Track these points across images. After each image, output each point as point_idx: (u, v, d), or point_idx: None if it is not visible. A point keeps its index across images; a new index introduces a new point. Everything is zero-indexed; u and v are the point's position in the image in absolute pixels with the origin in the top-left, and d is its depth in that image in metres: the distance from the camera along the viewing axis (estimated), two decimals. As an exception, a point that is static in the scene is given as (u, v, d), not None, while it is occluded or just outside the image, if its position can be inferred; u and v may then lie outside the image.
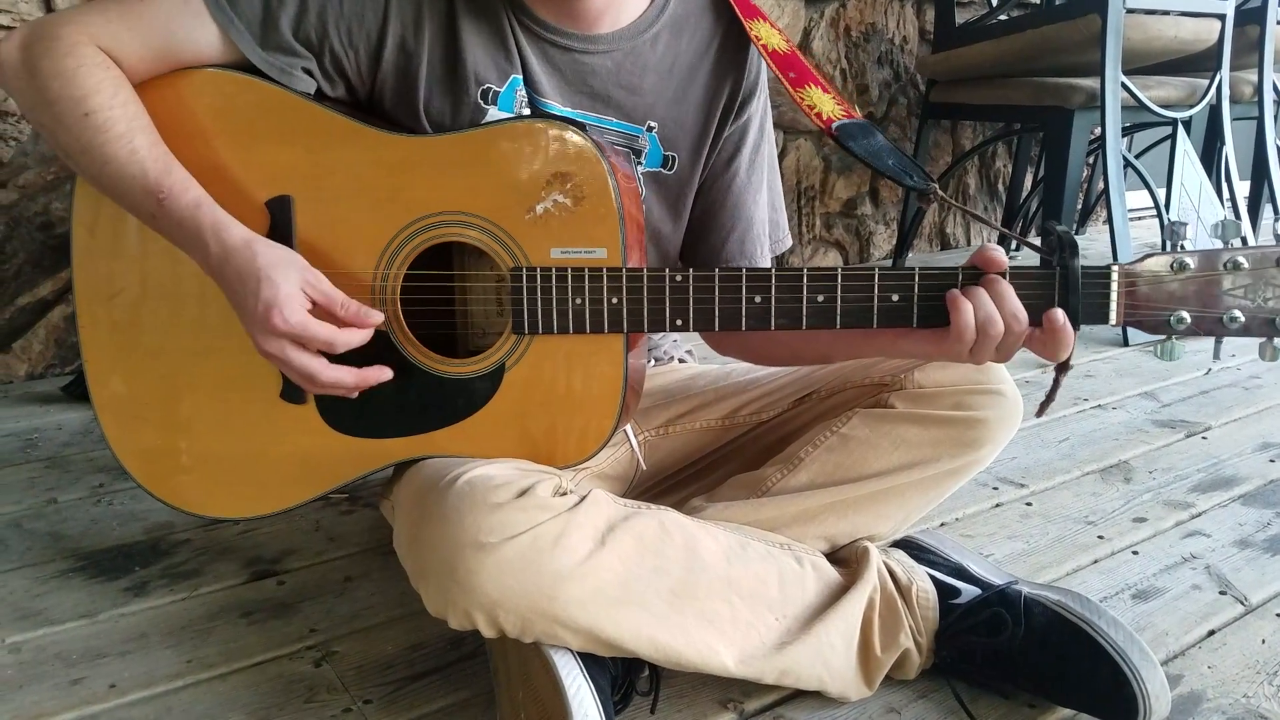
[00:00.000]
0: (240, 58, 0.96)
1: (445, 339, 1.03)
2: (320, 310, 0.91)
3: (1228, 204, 2.85)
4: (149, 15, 0.94)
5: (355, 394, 0.95)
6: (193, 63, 0.96)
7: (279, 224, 0.96)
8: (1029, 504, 1.49)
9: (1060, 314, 0.87)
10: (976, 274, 0.90)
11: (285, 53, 0.96)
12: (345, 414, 1.00)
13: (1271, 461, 1.66)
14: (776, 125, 0.99)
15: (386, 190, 0.96)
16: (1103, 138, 2.52)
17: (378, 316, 0.93)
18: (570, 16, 1.01)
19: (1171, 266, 0.87)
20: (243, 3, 0.95)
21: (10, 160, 1.89)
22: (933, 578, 1.04)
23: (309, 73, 0.98)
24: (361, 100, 1.03)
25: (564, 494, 0.90)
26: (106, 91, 0.92)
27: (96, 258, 1.02)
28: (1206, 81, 2.79)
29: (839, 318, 0.93)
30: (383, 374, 0.95)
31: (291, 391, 1.00)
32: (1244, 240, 0.85)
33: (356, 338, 0.92)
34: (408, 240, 0.96)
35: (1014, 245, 3.41)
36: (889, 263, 3.30)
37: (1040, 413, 0.96)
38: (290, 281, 0.89)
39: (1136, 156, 3.45)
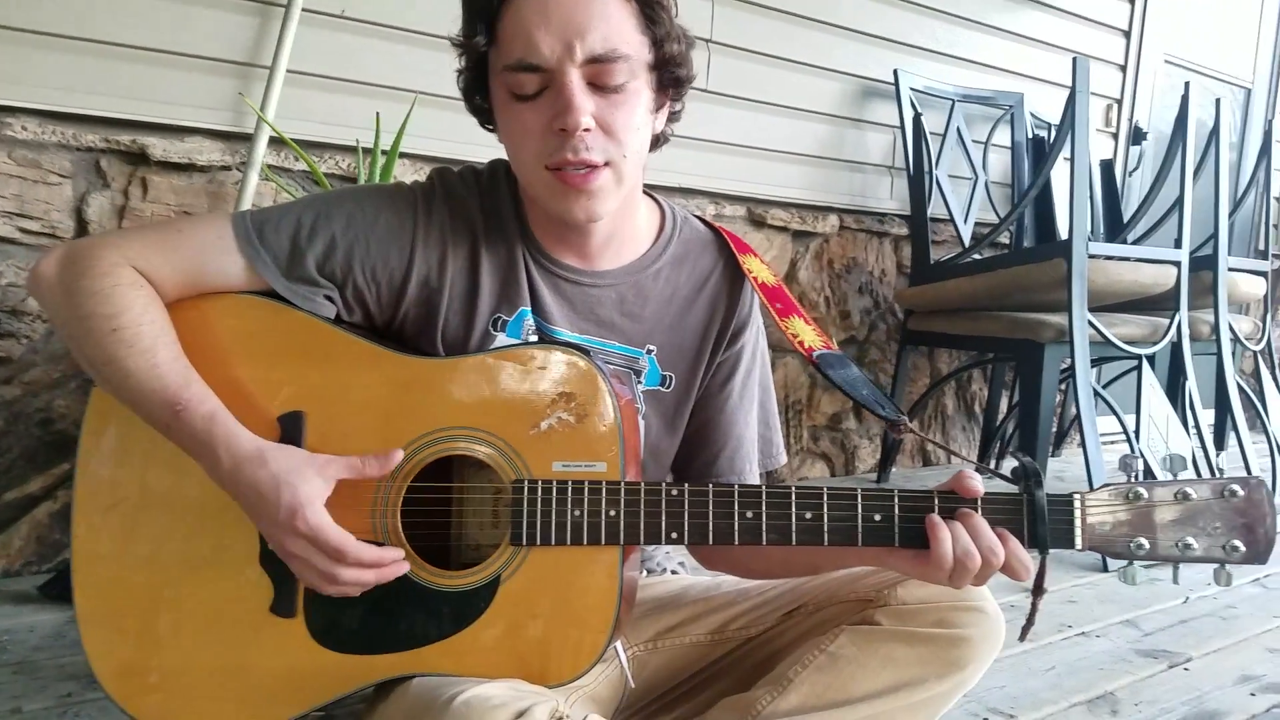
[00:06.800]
0: (265, 284, 1.03)
1: (439, 551, 1.04)
2: (347, 486, 0.95)
3: (1193, 432, 2.94)
4: (184, 245, 1.01)
5: (360, 592, 0.95)
6: (221, 288, 1.03)
7: (289, 438, 0.98)
8: (1019, 734, 1.47)
9: (1010, 538, 0.93)
10: (952, 498, 0.95)
11: (308, 283, 1.03)
12: (335, 629, 0.99)
13: (1252, 695, 1.66)
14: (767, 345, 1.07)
15: (397, 407, 1.00)
16: (1072, 371, 2.64)
17: (397, 455, 0.96)
18: (575, 253, 1.10)
19: (1128, 496, 0.94)
20: (271, 238, 1.02)
21: (19, 358, 1.95)
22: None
23: (330, 299, 1.05)
24: (379, 326, 1.09)
25: (561, 718, 0.89)
26: (136, 309, 0.97)
27: (101, 466, 1.02)
28: (1168, 320, 2.96)
29: (826, 535, 0.96)
30: (400, 567, 0.96)
31: (282, 604, 0.99)
32: (1199, 472, 0.92)
33: (369, 552, 0.93)
34: (414, 454, 0.99)
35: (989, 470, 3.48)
36: (874, 476, 3.37)
37: (1022, 637, 0.98)
38: (308, 482, 0.92)
39: (1106, 384, 3.59)
